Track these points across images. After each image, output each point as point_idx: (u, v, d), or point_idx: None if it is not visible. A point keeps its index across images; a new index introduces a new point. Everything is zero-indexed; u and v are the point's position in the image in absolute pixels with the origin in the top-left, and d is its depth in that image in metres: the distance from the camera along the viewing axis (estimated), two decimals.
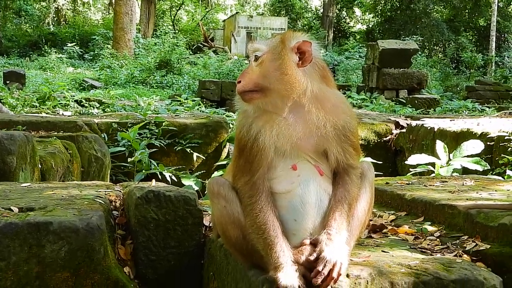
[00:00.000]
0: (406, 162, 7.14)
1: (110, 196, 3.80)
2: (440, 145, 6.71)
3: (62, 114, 11.34)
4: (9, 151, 4.90)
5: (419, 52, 28.57)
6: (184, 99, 15.50)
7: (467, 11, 44.28)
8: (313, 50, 2.60)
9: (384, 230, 3.38)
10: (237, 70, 26.37)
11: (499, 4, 38.22)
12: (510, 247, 2.93)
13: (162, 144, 8.69)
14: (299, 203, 2.53)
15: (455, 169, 6.28)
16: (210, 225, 3.50)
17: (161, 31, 34.39)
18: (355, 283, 2.45)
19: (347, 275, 2.46)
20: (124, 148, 8.35)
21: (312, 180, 2.56)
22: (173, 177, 7.89)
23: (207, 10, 53.65)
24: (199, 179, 7.65)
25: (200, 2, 53.49)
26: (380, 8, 45.67)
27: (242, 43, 39.10)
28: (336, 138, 2.60)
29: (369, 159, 6.73)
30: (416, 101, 17.71)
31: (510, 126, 7.50)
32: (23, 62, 32.46)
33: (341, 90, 3.10)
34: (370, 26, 48.57)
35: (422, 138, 8.64)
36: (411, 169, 6.88)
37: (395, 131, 9.58)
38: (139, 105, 14.62)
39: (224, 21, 48.33)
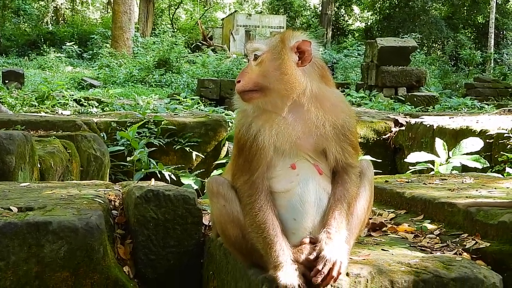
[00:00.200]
0: (405, 160, 7.14)
1: (109, 195, 3.80)
2: (439, 143, 6.71)
3: (61, 113, 11.32)
4: (8, 150, 4.90)
5: (418, 50, 28.57)
6: (183, 98, 15.49)
7: (465, 8, 44.26)
8: (313, 49, 2.60)
9: (384, 229, 3.38)
10: (236, 69, 26.34)
11: (497, 1, 38.21)
12: (510, 245, 2.93)
13: (161, 143, 8.68)
14: (298, 202, 2.53)
15: (454, 167, 6.28)
16: (210, 224, 3.50)
17: (160, 30, 34.38)
18: (355, 282, 2.45)
19: (347, 274, 2.46)
20: (123, 147, 8.35)
21: (311, 179, 2.56)
22: (173, 176, 7.89)
23: (205, 8, 53.62)
24: (199, 178, 7.64)
25: (198, 0, 53.45)
26: (379, 5, 45.65)
27: (241, 41, 39.07)
28: (335, 138, 2.60)
29: (368, 157, 6.73)
30: (415, 99, 17.72)
31: (509, 123, 7.50)
32: (21, 61, 32.42)
33: (340, 88, 3.10)
34: (369, 23, 48.55)
35: (421, 136, 8.64)
36: (410, 167, 6.88)
37: (394, 129, 9.58)
38: (138, 104, 14.61)
39: (222, 19, 48.30)
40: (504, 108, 12.45)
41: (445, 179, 4.53)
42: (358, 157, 2.73)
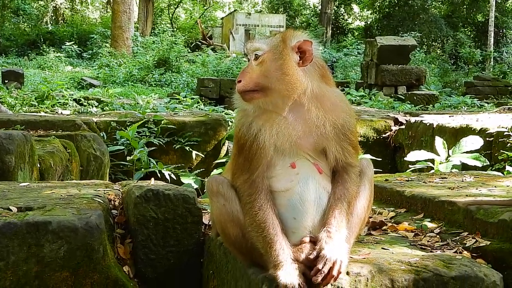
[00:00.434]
0: (405, 159, 7.13)
1: (109, 195, 3.80)
2: (439, 141, 6.70)
3: (61, 113, 11.32)
4: (8, 150, 4.89)
5: (418, 48, 28.54)
6: (183, 97, 15.48)
7: (465, 6, 44.27)
8: (313, 49, 2.59)
9: (384, 227, 3.38)
10: (235, 68, 26.31)
11: None
12: (510, 243, 2.93)
13: (161, 143, 8.68)
14: (298, 201, 2.53)
15: (454, 165, 6.27)
16: (210, 223, 3.50)
17: (159, 29, 34.36)
18: (355, 281, 2.45)
19: (347, 273, 2.46)
20: (123, 147, 8.34)
21: (311, 178, 2.56)
22: (172, 176, 7.88)
23: (205, 8, 53.62)
24: (198, 177, 7.63)
25: (198, 0, 53.46)
26: (378, 4, 45.66)
27: (241, 40, 39.05)
28: (335, 137, 2.60)
29: (368, 156, 6.73)
30: (415, 97, 17.72)
31: (509, 122, 7.49)
32: (21, 61, 32.40)
33: (339, 87, 3.10)
34: (368, 22, 48.55)
35: (421, 134, 8.64)
36: (410, 166, 6.87)
37: (394, 128, 9.57)
38: (137, 103, 14.60)
39: (222, 18, 48.30)
40: (504, 107, 12.44)
41: (445, 178, 4.53)
42: (358, 156, 2.73)
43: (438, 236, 3.22)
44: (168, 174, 7.85)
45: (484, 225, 3.15)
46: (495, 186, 4.06)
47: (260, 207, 2.51)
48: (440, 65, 33.32)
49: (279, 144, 2.56)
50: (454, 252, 2.92)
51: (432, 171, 6.25)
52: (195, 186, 7.26)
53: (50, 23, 45.58)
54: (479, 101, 17.34)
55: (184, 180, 7.50)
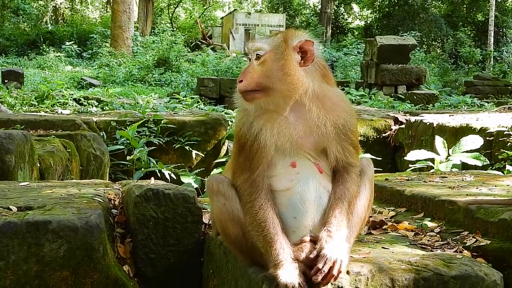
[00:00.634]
0: (405, 158, 7.12)
1: (109, 194, 3.80)
2: (439, 141, 6.70)
3: (61, 112, 11.32)
4: (8, 150, 4.89)
5: (418, 48, 28.54)
6: (183, 97, 15.46)
7: (465, 6, 44.26)
8: (315, 49, 2.59)
9: (384, 227, 3.38)
10: (235, 67, 26.30)
11: None
12: (510, 243, 2.93)
13: (161, 142, 8.67)
14: (298, 201, 2.53)
15: (454, 165, 6.27)
16: (210, 222, 3.50)
17: (159, 29, 34.32)
18: (355, 280, 2.45)
19: (347, 272, 2.46)
20: (123, 146, 8.34)
21: (312, 177, 2.56)
22: (172, 175, 7.88)
23: (205, 7, 53.59)
24: (198, 177, 7.63)
25: None
26: (378, 3, 45.64)
27: (240, 40, 39.01)
28: (336, 137, 2.60)
29: (368, 155, 6.73)
30: (415, 97, 17.72)
31: (509, 121, 7.48)
32: (21, 61, 32.39)
33: (339, 86, 3.10)
34: (368, 22, 48.54)
35: (421, 133, 8.63)
36: (410, 165, 6.87)
37: (394, 127, 9.57)
38: (137, 103, 14.58)
39: (222, 18, 48.27)
40: (504, 106, 12.43)
41: (445, 177, 4.53)
42: (359, 156, 2.73)
43: (438, 235, 3.22)
44: (168, 173, 7.85)
45: (484, 224, 3.15)
46: (495, 185, 4.06)
47: (261, 206, 2.51)
48: (440, 64, 33.32)
49: (280, 143, 2.56)
50: (454, 252, 2.92)
51: (432, 170, 6.25)
52: (195, 185, 7.25)
53: (50, 23, 45.57)
54: (479, 101, 17.34)
55: (184, 179, 7.50)
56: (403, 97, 17.94)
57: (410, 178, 4.51)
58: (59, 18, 47.62)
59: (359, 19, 52.03)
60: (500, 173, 5.52)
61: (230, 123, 9.43)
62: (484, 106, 15.55)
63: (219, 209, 2.69)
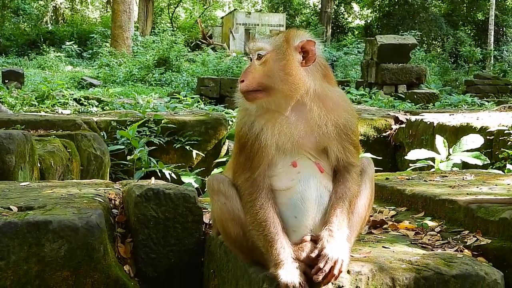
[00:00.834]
0: (405, 157, 7.13)
1: (109, 194, 3.80)
2: (439, 140, 6.70)
3: (61, 112, 11.31)
4: (8, 150, 4.89)
5: (418, 47, 28.55)
6: (183, 97, 15.46)
7: (465, 5, 44.25)
8: (316, 49, 2.59)
9: (385, 226, 3.37)
10: (235, 67, 26.29)
11: None
12: (511, 242, 2.93)
13: (161, 142, 8.67)
14: (299, 200, 2.53)
15: (455, 164, 6.27)
16: (210, 222, 3.50)
17: (159, 29, 34.31)
18: (356, 279, 2.45)
19: (348, 271, 2.46)
20: (123, 146, 8.34)
21: (312, 177, 2.56)
22: (173, 175, 7.88)
23: (205, 7, 53.60)
24: (199, 177, 7.63)
25: None
26: (378, 3, 45.63)
27: (241, 40, 39.01)
28: (337, 137, 2.60)
29: (368, 155, 6.73)
30: (415, 96, 17.72)
31: (509, 120, 7.48)
32: (21, 61, 32.39)
33: (340, 86, 3.08)
34: (369, 21, 48.54)
35: (422, 133, 8.63)
36: (410, 164, 6.87)
37: (394, 126, 9.57)
38: (138, 103, 14.57)
39: (222, 18, 48.26)
40: (505, 105, 12.43)
41: (446, 176, 4.53)
42: (359, 156, 2.73)
43: (439, 234, 3.22)
44: (169, 173, 7.85)
45: (485, 223, 3.15)
46: (495, 185, 4.05)
47: (261, 206, 2.51)
48: (440, 63, 33.33)
49: (281, 143, 2.56)
50: (455, 251, 2.92)
51: (433, 169, 6.25)
52: (196, 185, 7.26)
53: (50, 23, 45.58)
54: (479, 100, 17.33)
55: (185, 179, 7.50)
56: (404, 96, 17.94)
57: (410, 178, 4.51)
58: (59, 18, 47.63)
59: (359, 19, 52.03)
60: (500, 172, 5.51)
61: (230, 122, 9.43)
62: (484, 105, 15.55)
63: (220, 209, 2.69)
